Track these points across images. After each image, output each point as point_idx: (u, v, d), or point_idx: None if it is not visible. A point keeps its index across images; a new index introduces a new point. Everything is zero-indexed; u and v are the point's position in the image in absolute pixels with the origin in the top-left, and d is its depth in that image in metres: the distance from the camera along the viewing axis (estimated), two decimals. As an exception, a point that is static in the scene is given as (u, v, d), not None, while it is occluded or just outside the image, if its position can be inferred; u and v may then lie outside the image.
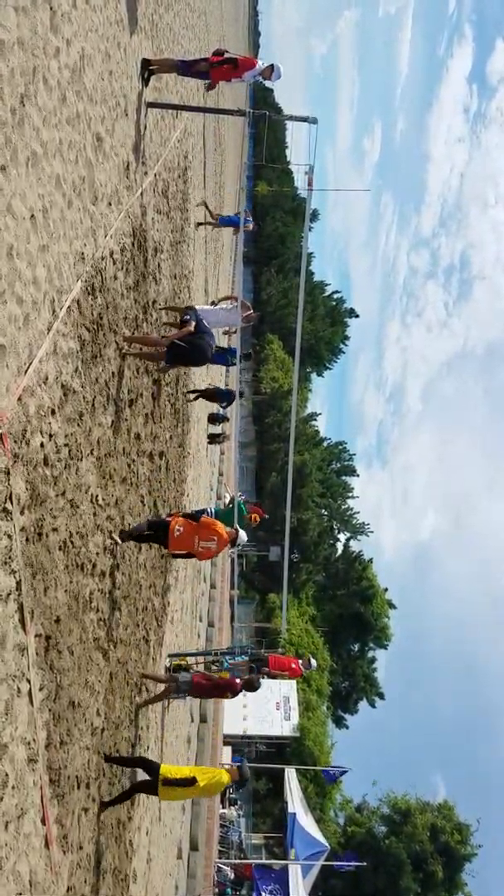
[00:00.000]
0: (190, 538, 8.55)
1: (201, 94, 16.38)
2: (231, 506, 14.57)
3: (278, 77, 10.11)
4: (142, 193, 8.80)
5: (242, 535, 9.67)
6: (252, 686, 10.66)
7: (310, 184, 12.14)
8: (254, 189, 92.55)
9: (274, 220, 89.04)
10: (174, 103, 11.23)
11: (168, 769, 7.75)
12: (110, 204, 7.04)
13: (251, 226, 14.83)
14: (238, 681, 10.54)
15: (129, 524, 8.31)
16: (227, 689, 10.67)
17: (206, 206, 17.58)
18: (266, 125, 10.99)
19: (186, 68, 9.26)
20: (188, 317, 8.88)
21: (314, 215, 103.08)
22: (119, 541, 7.53)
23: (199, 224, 16.71)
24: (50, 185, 5.09)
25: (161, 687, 10.13)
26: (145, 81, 8.75)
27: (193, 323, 8.73)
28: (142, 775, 8.01)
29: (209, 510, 14.12)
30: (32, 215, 4.72)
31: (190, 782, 7.58)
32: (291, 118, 11.56)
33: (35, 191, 4.78)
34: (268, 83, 10.74)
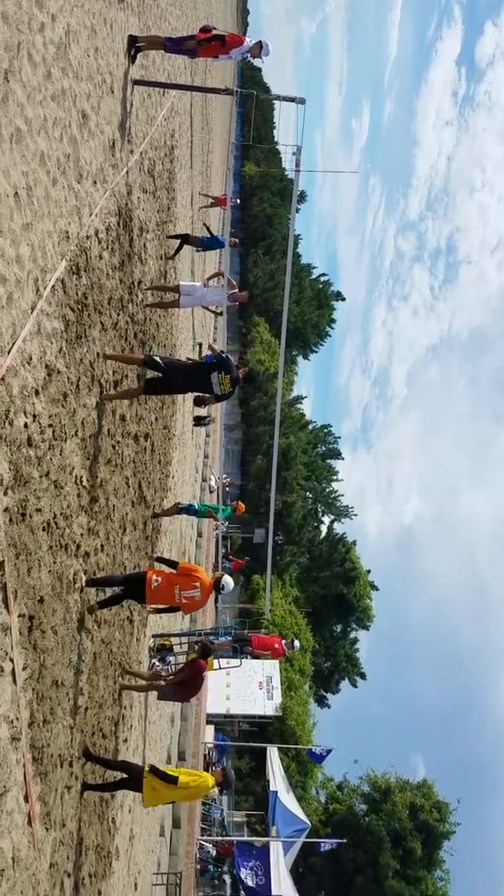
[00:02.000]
0: (169, 590, 7.94)
1: (189, 72, 16.20)
2: (216, 504, 14.67)
3: (267, 54, 10.00)
4: (127, 172, 8.72)
5: (228, 580, 8.82)
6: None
7: (297, 164, 12.07)
8: (241, 169, 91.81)
9: (261, 202, 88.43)
10: (161, 81, 11.10)
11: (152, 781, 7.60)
12: (95, 182, 6.97)
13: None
14: (202, 667, 10.02)
15: (113, 505, 8.31)
16: (200, 677, 10.14)
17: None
18: (254, 105, 10.89)
19: (174, 46, 9.15)
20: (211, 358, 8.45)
21: (302, 197, 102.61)
22: (92, 608, 7.08)
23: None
24: (34, 162, 5.03)
25: (143, 681, 10.00)
26: (132, 58, 8.64)
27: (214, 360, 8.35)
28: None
29: (193, 506, 14.18)
30: (16, 193, 4.67)
31: (173, 780, 7.48)
32: (279, 98, 11.47)
33: (19, 168, 4.73)
34: (256, 61, 10.60)
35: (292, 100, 10.63)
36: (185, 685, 9.89)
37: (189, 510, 13.94)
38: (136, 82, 9.08)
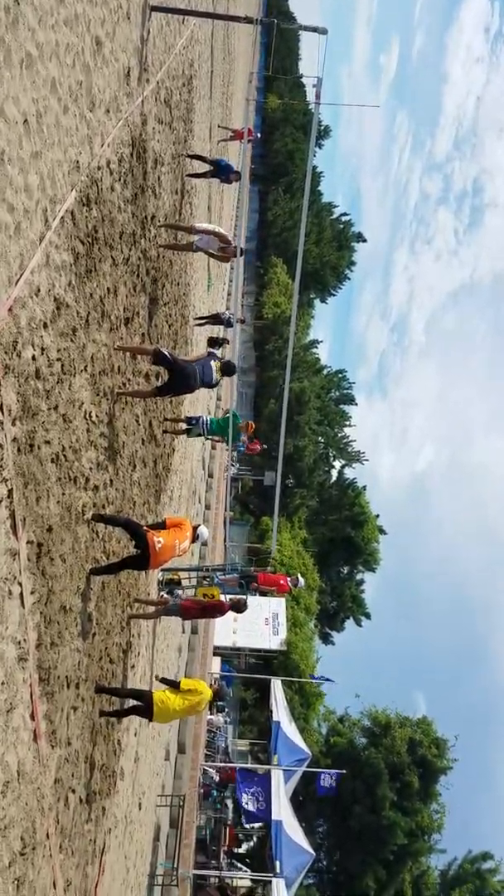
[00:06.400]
0: (171, 546, 8.18)
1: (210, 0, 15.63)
2: (228, 415, 14.60)
3: None
4: (143, 101, 8.53)
5: (202, 531, 9.71)
6: (239, 607, 10.78)
7: (318, 97, 11.74)
8: (264, 102, 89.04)
9: (283, 136, 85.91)
10: (180, 8, 10.74)
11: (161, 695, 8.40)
12: (108, 111, 6.85)
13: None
14: (226, 603, 10.81)
15: (123, 442, 8.41)
16: (215, 612, 11.01)
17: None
18: (274, 34, 10.55)
19: None
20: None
21: (325, 132, 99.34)
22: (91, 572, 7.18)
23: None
24: (45, 89, 4.96)
25: (152, 608, 10.49)
26: None
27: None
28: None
29: (204, 419, 14.13)
30: (26, 120, 4.62)
31: (176, 684, 8.58)
32: (301, 28, 11.11)
33: (29, 94, 4.66)
34: None
35: (314, 30, 10.28)
36: (197, 612, 10.58)
37: (196, 423, 13.70)
38: (155, 8, 8.81)
